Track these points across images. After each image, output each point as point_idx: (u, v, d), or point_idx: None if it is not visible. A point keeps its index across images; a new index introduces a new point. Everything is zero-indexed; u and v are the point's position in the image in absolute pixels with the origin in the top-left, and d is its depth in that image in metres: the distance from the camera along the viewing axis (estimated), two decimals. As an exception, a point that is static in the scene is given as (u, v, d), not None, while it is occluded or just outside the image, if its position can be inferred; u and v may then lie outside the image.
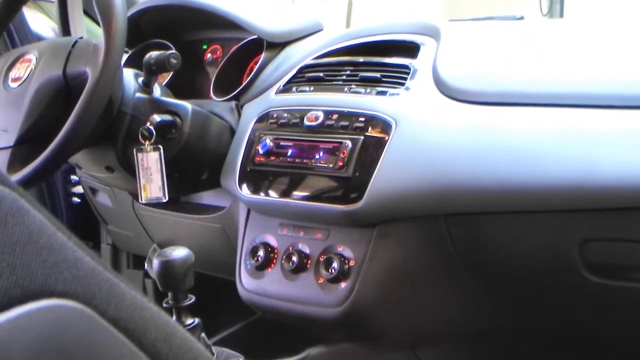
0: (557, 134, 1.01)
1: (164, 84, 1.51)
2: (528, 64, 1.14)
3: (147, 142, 1.26)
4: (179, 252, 1.15)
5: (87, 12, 1.76)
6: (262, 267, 1.25)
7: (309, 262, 1.20)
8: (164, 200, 1.27)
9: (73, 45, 1.27)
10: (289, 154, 1.22)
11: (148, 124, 1.26)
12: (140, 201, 1.29)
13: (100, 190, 1.74)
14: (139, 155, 1.27)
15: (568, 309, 1.14)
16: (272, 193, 1.23)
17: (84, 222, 1.93)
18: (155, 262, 1.14)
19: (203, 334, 1.16)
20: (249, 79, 1.40)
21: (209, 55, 1.62)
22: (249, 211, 1.31)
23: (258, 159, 1.25)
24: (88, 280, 0.38)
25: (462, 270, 1.14)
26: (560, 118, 1.02)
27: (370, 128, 1.15)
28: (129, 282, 0.42)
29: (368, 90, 1.22)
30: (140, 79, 1.31)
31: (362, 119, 1.17)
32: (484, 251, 1.11)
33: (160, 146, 1.26)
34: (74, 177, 1.91)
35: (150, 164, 1.27)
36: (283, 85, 1.34)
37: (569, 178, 0.97)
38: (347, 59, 1.33)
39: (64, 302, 0.37)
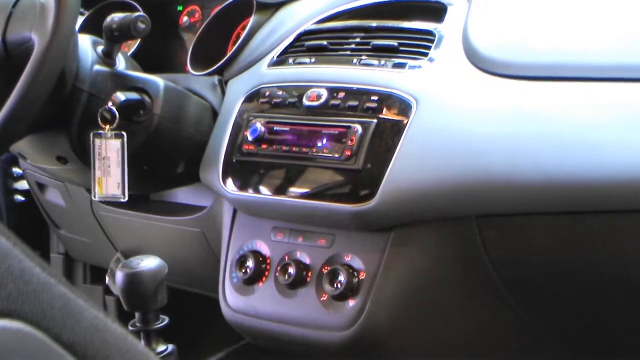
0: (621, 116, 1.01)
1: (129, 54, 1.50)
2: (584, 28, 1.13)
3: (107, 127, 1.26)
4: (149, 263, 1.15)
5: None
6: (251, 280, 1.25)
7: (310, 274, 1.20)
8: (123, 200, 1.28)
9: (14, 5, 1.27)
10: (284, 141, 1.22)
11: (110, 103, 1.26)
12: (93, 198, 1.29)
13: (50, 186, 1.74)
14: (97, 141, 1.27)
15: (632, 332, 1.14)
16: (263, 189, 1.23)
17: (29, 225, 1.93)
18: (119, 275, 1.14)
19: (178, 364, 1.17)
20: (234, 48, 1.40)
21: (185, 18, 1.62)
22: (235, 212, 1.31)
23: (246, 147, 1.25)
24: (38, 296, 0.38)
25: (499, 284, 1.14)
26: (625, 95, 1.02)
27: (385, 109, 1.15)
28: (89, 299, 0.42)
29: (382, 62, 1.22)
30: (100, 48, 1.31)
31: (375, 98, 1.17)
32: (526, 261, 1.12)
33: (123, 133, 1.26)
34: (16, 170, 1.91)
35: (110, 154, 1.27)
36: (277, 56, 1.34)
37: (635, 170, 0.97)
38: (356, 23, 1.33)
39: (7, 323, 0.37)
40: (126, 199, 1.27)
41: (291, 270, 1.20)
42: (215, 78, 1.40)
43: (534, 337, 1.21)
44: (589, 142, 1.01)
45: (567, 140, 1.02)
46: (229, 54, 1.40)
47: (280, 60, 1.33)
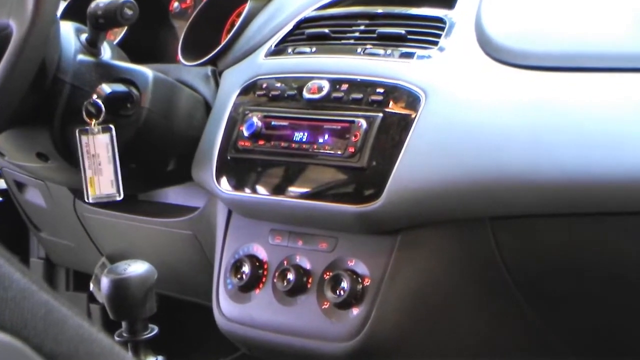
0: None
1: (115, 42, 1.50)
2: (607, 15, 1.13)
3: (93, 121, 1.26)
4: (137, 268, 1.15)
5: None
6: (247, 287, 1.25)
7: (310, 280, 1.20)
8: (119, 199, 1.27)
9: (-9, -10, 1.27)
10: (283, 136, 1.22)
11: (95, 96, 1.26)
12: (86, 200, 1.29)
13: (29, 185, 1.74)
14: (84, 138, 1.27)
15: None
16: (260, 189, 1.23)
17: (7, 228, 1.93)
18: (105, 282, 1.14)
19: (169, 377, 1.17)
20: (229, 36, 1.40)
21: (175, 4, 1.61)
22: (229, 213, 1.31)
23: (242, 143, 1.25)
24: (18, 303, 0.38)
25: (513, 289, 1.15)
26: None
27: (391, 102, 1.15)
28: (72, 306, 0.42)
29: (389, 51, 1.22)
30: (84, 36, 1.31)
31: (381, 90, 1.17)
32: (543, 265, 1.12)
33: (111, 125, 1.26)
34: (-6, 168, 1.92)
35: (99, 151, 1.27)
36: (275, 45, 1.34)
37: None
38: (361, 9, 1.33)
39: (-15, 334, 0.37)
40: (121, 197, 1.27)
41: (290, 276, 1.20)
42: (209, 69, 1.40)
43: (547, 343, 1.21)
44: (612, 138, 1.01)
45: (589, 136, 1.02)
46: (223, 43, 1.40)
47: (279, 50, 1.33)
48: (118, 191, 1.27)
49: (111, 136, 1.26)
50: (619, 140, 1.00)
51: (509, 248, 1.11)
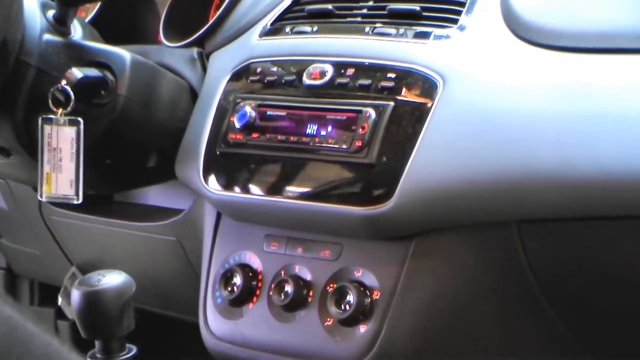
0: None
1: (87, 20, 1.50)
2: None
3: (60, 111, 1.26)
4: (112, 279, 1.15)
5: None
6: (239, 301, 1.25)
7: (311, 293, 1.20)
8: (76, 202, 1.28)
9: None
10: (280, 128, 1.22)
11: (63, 82, 1.26)
12: (39, 197, 1.29)
13: (-11, 185, 1.75)
14: (46, 127, 1.27)
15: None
16: (254, 188, 1.23)
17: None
18: (76, 295, 1.15)
19: (149, 404, 1.17)
20: (218, 13, 1.40)
21: (156, -23, 1.62)
22: (219, 216, 1.31)
23: (233, 136, 1.25)
24: (-22, 319, 0.38)
25: (542, 301, 1.15)
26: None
27: (404, 89, 1.15)
28: (39, 323, 0.42)
29: (401, 30, 1.22)
30: (51, 13, 1.31)
31: (392, 76, 1.17)
32: (579, 275, 1.12)
33: (80, 119, 1.26)
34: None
35: (62, 145, 1.27)
36: (271, 24, 1.35)
37: None
38: (369, -18, 1.34)
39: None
40: (80, 200, 1.27)
41: (288, 288, 1.21)
42: (195, 50, 1.40)
43: (571, 351, 1.21)
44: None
45: (630, 126, 1.02)
46: (211, 21, 1.40)
47: (275, 29, 1.33)
48: (76, 193, 1.27)
49: (78, 131, 1.26)
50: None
51: (538, 255, 1.11)
